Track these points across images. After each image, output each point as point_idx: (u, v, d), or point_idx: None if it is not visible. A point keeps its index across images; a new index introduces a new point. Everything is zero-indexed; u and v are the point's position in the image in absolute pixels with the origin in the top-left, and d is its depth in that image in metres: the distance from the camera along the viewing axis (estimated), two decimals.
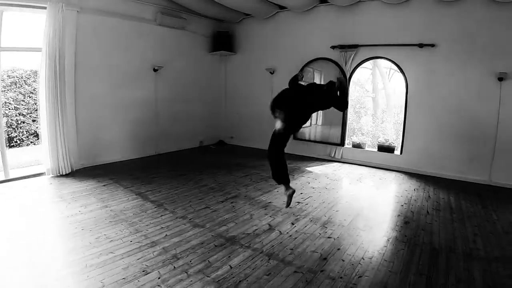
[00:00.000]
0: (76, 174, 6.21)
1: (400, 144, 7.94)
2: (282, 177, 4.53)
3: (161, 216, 4.30)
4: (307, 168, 7.64)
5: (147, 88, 8.04)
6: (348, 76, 8.19)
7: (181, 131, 9.01)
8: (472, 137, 7.23)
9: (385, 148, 8.16)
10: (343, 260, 3.46)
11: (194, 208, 4.67)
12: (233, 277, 2.95)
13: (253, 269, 3.13)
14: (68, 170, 6.18)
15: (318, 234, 4.12)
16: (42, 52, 5.82)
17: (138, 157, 7.82)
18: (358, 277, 3.14)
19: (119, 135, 7.49)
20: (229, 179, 6.34)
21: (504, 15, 6.74)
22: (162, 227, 3.94)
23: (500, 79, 6.77)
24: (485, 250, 3.97)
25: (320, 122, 9.01)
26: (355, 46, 8.06)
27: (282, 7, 8.81)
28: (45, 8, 5.77)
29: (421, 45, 7.45)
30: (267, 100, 8.92)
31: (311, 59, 8.73)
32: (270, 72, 9.27)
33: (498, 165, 7.01)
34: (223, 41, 9.63)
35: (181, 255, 3.31)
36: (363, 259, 3.53)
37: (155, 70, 8.04)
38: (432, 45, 7.39)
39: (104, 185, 5.53)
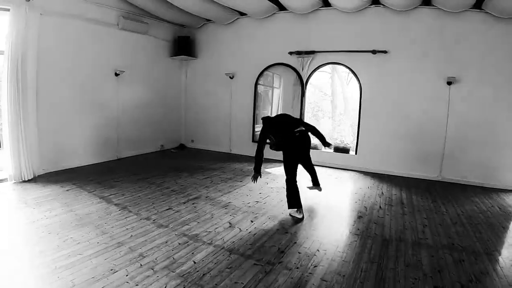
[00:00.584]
0: (39, 179, 6.20)
1: (355, 145, 8.41)
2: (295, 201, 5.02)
3: (126, 218, 4.47)
4: (266, 170, 8.01)
5: (109, 93, 8.05)
6: (305, 81, 8.60)
7: (142, 135, 9.10)
8: (423, 137, 7.87)
9: (341, 149, 8.66)
10: (300, 253, 3.79)
11: (158, 210, 4.87)
12: (197, 271, 3.19)
13: (215, 263, 3.38)
14: (31, 176, 6.15)
15: (276, 230, 4.44)
16: (4, 55, 5.78)
17: (99, 162, 7.85)
18: (314, 266, 3.48)
19: (81, 140, 7.49)
20: (190, 182, 6.56)
21: (452, 24, 7.47)
22: (127, 228, 4.11)
23: (449, 83, 7.50)
24: (433, 239, 4.47)
25: None
26: (312, 52, 8.49)
27: (242, 14, 9.10)
28: (8, 10, 5.75)
29: (374, 52, 7.98)
30: (226, 105, 9.26)
31: (269, 64, 9.09)
32: (230, 77, 9.55)
33: (447, 163, 7.67)
34: (184, 46, 9.79)
35: (146, 253, 3.50)
36: (318, 251, 3.88)
37: (116, 75, 8.08)
38: (385, 52, 7.96)
39: (67, 190, 5.58)
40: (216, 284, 2.99)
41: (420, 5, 7.56)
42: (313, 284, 3.13)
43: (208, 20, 9.73)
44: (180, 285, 2.94)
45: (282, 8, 8.62)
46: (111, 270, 3.13)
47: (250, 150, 9.38)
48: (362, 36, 8.15)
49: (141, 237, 3.89)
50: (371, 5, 7.92)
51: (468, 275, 3.57)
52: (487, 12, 7.21)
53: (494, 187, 7.49)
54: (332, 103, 14.05)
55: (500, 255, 4.17)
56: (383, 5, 7.80)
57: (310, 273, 3.34)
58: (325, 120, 13.48)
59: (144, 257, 3.43)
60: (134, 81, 8.70)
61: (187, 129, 10.62)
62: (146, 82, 9.15)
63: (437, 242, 4.39)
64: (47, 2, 6.46)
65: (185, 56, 9.88)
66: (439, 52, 7.62)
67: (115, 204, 4.99)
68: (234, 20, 9.48)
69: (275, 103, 9.75)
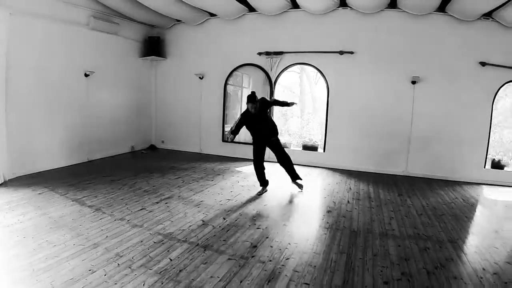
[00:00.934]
0: (9, 184, 6.11)
1: (323, 143, 8.68)
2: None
3: (100, 219, 4.52)
4: (237, 168, 8.18)
5: (79, 94, 7.97)
6: (273, 81, 8.82)
7: (113, 136, 9.05)
8: (389, 134, 8.28)
9: (309, 147, 8.93)
10: (272, 247, 3.99)
11: (131, 210, 4.94)
12: (174, 268, 3.32)
13: (191, 260, 3.53)
14: (1, 180, 6.04)
15: (248, 226, 4.63)
16: None
17: (71, 164, 7.79)
18: (286, 259, 3.68)
19: (51, 142, 7.39)
20: (162, 182, 6.65)
21: (416, 26, 7.97)
22: (102, 230, 4.17)
23: (413, 82, 7.97)
24: (400, 230, 4.79)
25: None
26: (280, 53, 8.72)
27: (212, 14, 9.19)
28: None
29: (341, 52, 8.30)
30: (196, 105, 9.35)
31: (239, 64, 9.25)
32: (200, 77, 9.65)
33: (412, 158, 8.12)
34: (154, 46, 9.79)
35: (123, 253, 3.58)
36: (290, 244, 4.09)
37: (86, 75, 8.00)
38: (352, 52, 8.29)
39: (39, 194, 5.55)
40: (192, 279, 3.13)
41: (386, 7, 7.94)
42: (286, 276, 3.33)
43: (178, 21, 9.77)
44: (158, 282, 3.05)
45: (251, 9, 8.78)
46: (89, 270, 3.19)
47: (220, 149, 9.61)
48: (330, 37, 8.46)
49: (116, 238, 3.97)
50: (338, 7, 8.23)
51: (433, 262, 3.88)
52: (451, 15, 7.71)
53: (458, 180, 8.00)
54: (300, 102, 14.33)
55: (464, 243, 4.52)
56: (350, 7, 8.12)
57: (282, 265, 3.54)
58: (294, 119, 13.74)
59: (121, 256, 3.51)
60: (104, 82, 8.62)
61: (158, 130, 10.63)
62: (116, 83, 9.09)
63: (403, 232, 4.70)
64: (16, 2, 6.36)
65: (155, 57, 9.88)
66: (404, 53, 8.09)
67: (89, 206, 5.02)
68: (204, 21, 9.57)
69: (244, 103, 9.83)
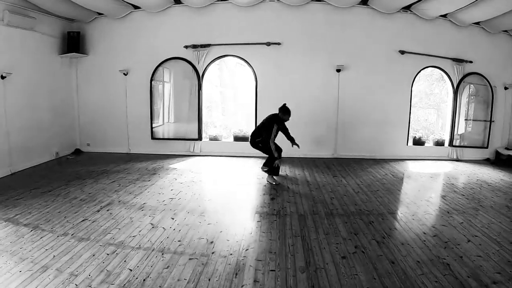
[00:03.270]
0: None
1: None
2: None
3: (41, 238, 4.17)
4: (171, 166, 8.07)
5: None
6: (201, 74, 8.79)
7: (35, 143, 8.17)
8: (318, 120, 8.80)
9: (240, 138, 9.05)
10: (228, 240, 4.09)
11: (72, 223, 4.64)
12: (137, 278, 3.23)
13: (151, 266, 3.46)
14: None
15: (199, 223, 4.65)
16: None
17: None
18: (245, 250, 3.80)
19: None
20: (97, 188, 6.33)
21: (341, 18, 8.57)
22: (46, 249, 3.85)
23: (338, 70, 8.53)
24: (343, 208, 5.24)
25: (172, 119, 9.44)
26: (207, 45, 8.69)
27: (136, 7, 8.79)
28: None
29: (268, 44, 8.51)
30: (122, 103, 8.97)
31: (165, 58, 9.03)
32: (124, 74, 9.23)
33: (341, 141, 8.74)
34: (74, 42, 9.01)
35: (77, 271, 3.35)
36: (244, 235, 4.22)
37: (2, 77, 7.13)
38: (279, 43, 8.59)
39: None
40: (160, 286, 3.09)
41: (312, 0, 8.37)
42: (251, 266, 3.46)
43: (100, 14, 9.14)
44: None
45: (177, 1, 8.61)
46: None
47: (150, 148, 9.36)
48: (257, 29, 8.68)
49: (65, 256, 3.70)
50: None
51: (380, 233, 4.37)
52: (373, 8, 8.47)
53: (385, 158, 8.79)
54: (221, 94, 14.35)
55: (402, 213, 5.15)
56: None
57: (244, 256, 3.66)
58: (217, 111, 13.77)
59: (76, 275, 3.28)
60: (21, 83, 7.76)
61: (82, 132, 9.91)
62: (34, 83, 8.20)
63: (346, 210, 5.09)
64: None
65: (76, 54, 9.08)
66: (329, 43, 8.69)
67: (25, 225, 4.61)
68: (127, 14, 9.12)
69: (171, 98, 9.65)
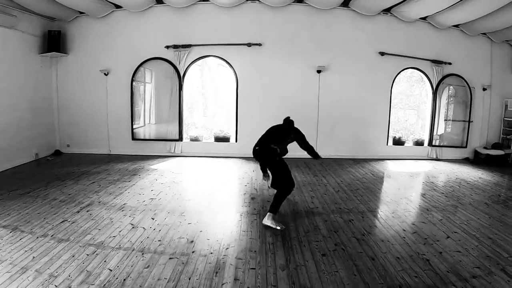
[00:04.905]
0: None
1: (235, 134, 8.95)
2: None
3: (21, 239, 4.11)
4: (151, 166, 8.05)
5: None
6: (182, 74, 8.81)
7: (13, 144, 7.97)
8: (299, 121, 8.66)
9: (221, 138, 9.09)
10: (208, 239, 4.11)
11: (52, 224, 4.58)
12: (117, 278, 3.22)
13: (131, 266, 3.45)
14: None
15: (179, 222, 4.67)
16: None
17: None
18: (226, 249, 3.84)
19: None
20: (77, 189, 6.26)
21: (322, 20, 8.70)
22: (26, 251, 3.80)
23: (319, 71, 8.61)
24: (323, 207, 5.32)
25: (153, 120, 9.42)
26: (188, 46, 8.70)
27: (118, 6, 8.72)
28: None
29: (249, 45, 8.58)
30: (102, 103, 8.89)
31: (146, 58, 8.99)
32: (105, 74, 9.14)
33: (322, 141, 8.94)
34: (54, 41, 8.86)
35: (57, 272, 3.32)
36: (225, 234, 4.25)
37: None
38: (260, 44, 8.65)
39: None
40: (140, 286, 3.10)
41: (293, 2, 8.46)
42: (231, 264, 3.49)
43: (81, 13, 9.03)
44: None
45: (159, 1, 8.59)
46: None
47: (130, 149, 9.31)
48: (238, 29, 8.73)
49: (45, 257, 3.65)
50: (247, 0, 8.51)
51: (360, 230, 4.46)
52: (354, 10, 8.64)
53: (365, 158, 8.92)
54: (203, 95, 14.33)
55: (382, 211, 5.25)
56: (258, 0, 8.46)
57: (224, 255, 3.69)
58: (199, 112, 13.75)
59: (56, 277, 3.25)
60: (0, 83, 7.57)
61: (62, 133, 9.74)
62: (13, 83, 8.00)
63: (326, 208, 5.17)
64: None
65: (56, 53, 8.92)
66: (309, 45, 8.80)
67: (3, 226, 4.52)
68: (109, 13, 9.03)
69: (148, 99, 9.62)
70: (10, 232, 4.36)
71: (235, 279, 3.24)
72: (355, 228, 4.56)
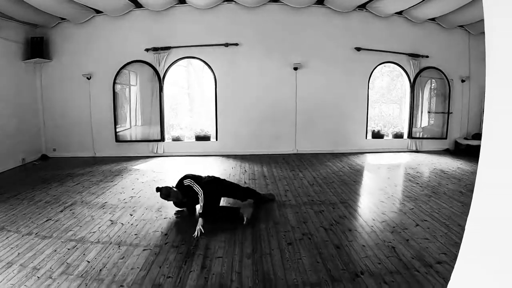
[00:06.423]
0: None
1: (215, 132, 9.20)
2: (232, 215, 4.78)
3: (7, 238, 4.36)
4: (134, 167, 8.29)
5: None
6: (162, 76, 9.03)
7: (0, 150, 8.17)
8: (277, 118, 9.16)
9: (202, 137, 9.36)
10: (181, 232, 4.39)
11: (37, 223, 4.83)
12: (93, 269, 3.49)
13: (108, 257, 3.73)
14: None
15: (155, 217, 4.95)
16: None
17: None
18: (197, 240, 4.11)
19: None
20: (62, 190, 6.50)
21: (297, 18, 8.93)
22: (11, 247, 4.05)
23: (295, 68, 8.86)
24: (295, 199, 5.54)
25: (139, 122, 9.63)
26: (167, 48, 8.94)
27: (98, 11, 8.90)
28: None
29: (226, 45, 8.84)
30: (86, 107, 9.12)
31: (127, 62, 9.19)
32: (87, 78, 9.33)
33: (300, 137, 9.11)
34: (37, 47, 9.07)
35: (40, 265, 3.58)
36: (198, 227, 4.42)
37: None
38: (237, 44, 8.91)
39: None
40: (114, 275, 3.37)
41: (268, 1, 8.70)
42: (200, 254, 3.77)
43: (63, 19, 9.23)
44: (82, 284, 3.22)
45: (138, 5, 8.79)
46: None
47: (115, 151, 9.55)
48: (215, 30, 8.98)
49: (28, 252, 3.91)
50: (223, 1, 8.75)
51: (329, 220, 4.66)
52: (329, 7, 8.86)
53: (344, 152, 9.20)
54: (189, 95, 14.60)
55: (354, 202, 5.43)
56: (234, 1, 8.69)
57: (195, 245, 3.97)
58: (184, 112, 14.01)
59: (38, 269, 3.50)
60: None
61: (48, 138, 9.94)
62: None
63: (298, 201, 5.44)
64: None
65: (39, 59, 9.11)
66: (285, 43, 9.07)
67: None
68: (89, 19, 9.24)
69: (133, 101, 9.87)
70: None
71: (202, 267, 3.51)
72: (324, 219, 4.75)
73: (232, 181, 5.81)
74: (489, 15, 1.26)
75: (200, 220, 4.43)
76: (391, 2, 8.44)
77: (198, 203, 4.74)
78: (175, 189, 4.85)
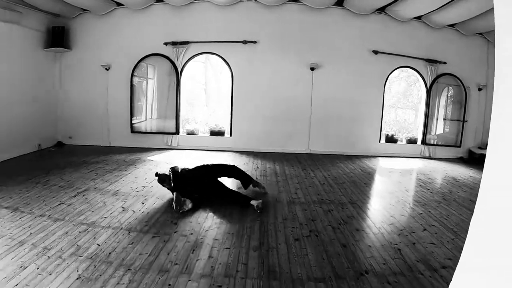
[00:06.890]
0: None
1: (230, 128, 9.23)
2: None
3: (20, 218, 4.48)
4: (148, 158, 8.41)
5: None
6: (179, 70, 9.10)
7: (17, 135, 8.33)
8: (292, 117, 9.20)
9: (216, 133, 9.42)
10: (191, 222, 4.46)
11: (50, 206, 4.95)
12: (103, 252, 3.58)
13: (118, 242, 3.81)
14: None
15: (166, 207, 5.05)
16: None
17: None
18: (206, 230, 4.18)
19: None
20: (76, 176, 6.62)
21: (316, 18, 8.93)
22: (24, 227, 4.16)
23: (312, 69, 8.85)
24: (305, 197, 5.56)
25: (155, 115, 9.76)
26: (186, 43, 9.02)
27: (119, 4, 9.04)
28: None
29: (245, 42, 8.89)
30: (103, 97, 9.24)
31: (145, 55, 9.30)
32: (106, 69, 9.48)
33: (314, 137, 9.08)
34: (58, 37, 9.23)
35: (51, 246, 3.68)
36: (207, 218, 4.60)
37: None
38: (255, 42, 8.95)
39: None
40: (123, 259, 3.45)
41: (288, 1, 8.73)
42: (208, 244, 3.83)
43: (84, 10, 9.39)
44: (91, 266, 3.30)
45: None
46: (21, 267, 3.24)
47: (129, 141, 9.66)
48: (234, 28, 9.03)
49: (41, 233, 4.01)
50: None
51: (337, 220, 4.68)
52: (347, 9, 8.84)
53: (357, 154, 9.23)
54: (205, 91, 14.72)
55: (363, 203, 5.44)
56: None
57: (203, 236, 4.03)
58: (201, 107, 14.14)
59: (49, 249, 3.60)
60: (6, 76, 7.90)
61: (64, 125, 10.11)
62: (17, 77, 8.33)
63: (308, 199, 5.46)
64: None
65: (60, 48, 9.29)
66: (303, 43, 9.09)
67: (5, 208, 4.88)
68: (110, 10, 9.38)
69: (150, 94, 10.00)
70: (11, 212, 4.73)
71: (209, 257, 3.57)
72: (332, 218, 4.77)
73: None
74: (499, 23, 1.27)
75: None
76: (411, 6, 8.36)
77: (194, 192, 5.18)
78: (171, 177, 5.21)
